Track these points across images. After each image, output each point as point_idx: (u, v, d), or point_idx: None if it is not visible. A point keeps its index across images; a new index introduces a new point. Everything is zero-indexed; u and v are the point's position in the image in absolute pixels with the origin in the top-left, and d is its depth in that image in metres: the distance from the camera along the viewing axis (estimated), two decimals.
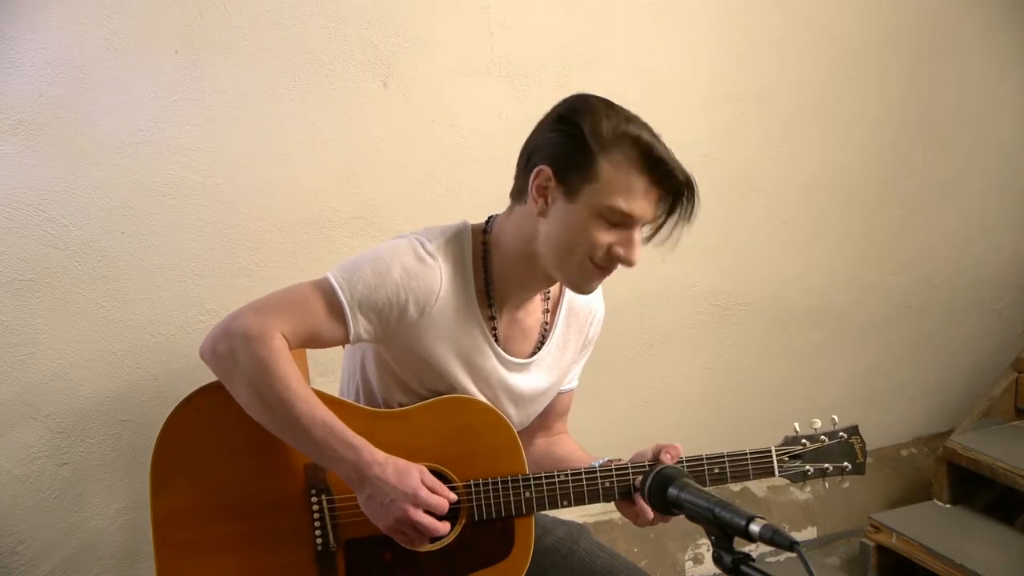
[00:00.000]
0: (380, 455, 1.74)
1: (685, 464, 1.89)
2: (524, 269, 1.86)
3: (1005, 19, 3.66)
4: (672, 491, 1.43)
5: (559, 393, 2.15)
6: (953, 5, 3.56)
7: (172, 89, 2.45)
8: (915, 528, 3.34)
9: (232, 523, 1.81)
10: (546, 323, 2.01)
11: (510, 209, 1.88)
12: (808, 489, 1.99)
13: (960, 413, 3.80)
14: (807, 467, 1.97)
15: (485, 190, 2.81)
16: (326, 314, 1.78)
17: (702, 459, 1.91)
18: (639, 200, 1.73)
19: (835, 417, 2.03)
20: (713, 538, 1.35)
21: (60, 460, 2.49)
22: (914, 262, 3.74)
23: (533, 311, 1.98)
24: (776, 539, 1.24)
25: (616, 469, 1.87)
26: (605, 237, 1.76)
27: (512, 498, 1.86)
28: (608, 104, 1.77)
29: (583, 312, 2.04)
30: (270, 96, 2.56)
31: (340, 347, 1.97)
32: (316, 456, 1.76)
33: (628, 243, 1.77)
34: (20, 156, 2.33)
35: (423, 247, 1.83)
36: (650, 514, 1.83)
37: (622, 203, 1.72)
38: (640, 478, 1.73)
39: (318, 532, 1.82)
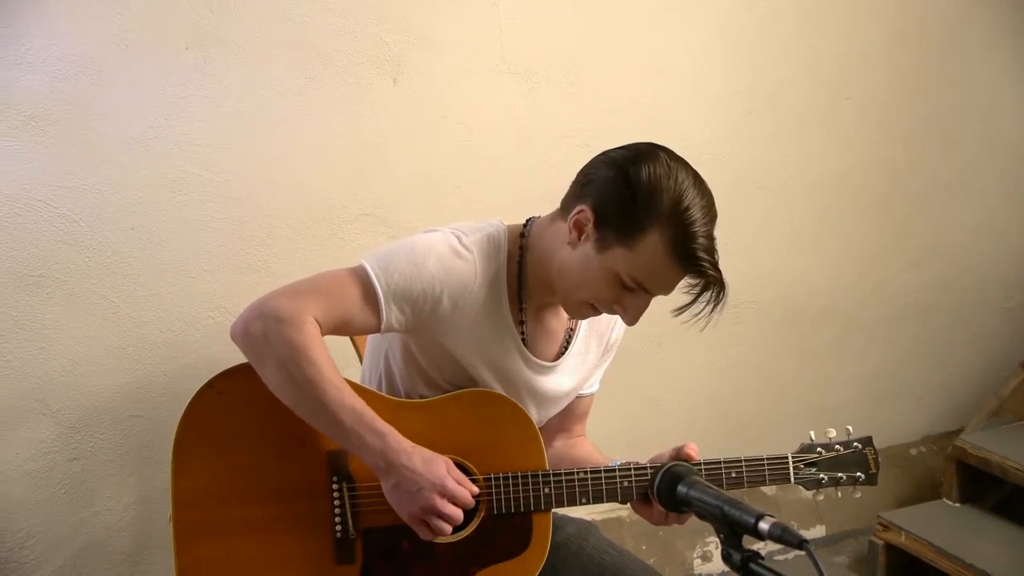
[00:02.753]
0: (408, 444, 1.75)
1: (703, 467, 1.89)
2: (550, 276, 1.86)
3: (1013, 19, 3.65)
4: (681, 489, 1.43)
5: (579, 397, 2.15)
6: (961, 5, 3.54)
7: (182, 85, 2.45)
8: (924, 527, 3.34)
9: (252, 507, 1.82)
10: (571, 328, 2.01)
11: (553, 217, 1.87)
12: (821, 497, 2.00)
13: (969, 412, 3.79)
14: (821, 475, 1.98)
15: (494, 187, 2.82)
16: (360, 301, 1.78)
17: (720, 462, 1.91)
18: (659, 281, 1.75)
19: (849, 428, 2.03)
20: (722, 536, 1.35)
21: (70, 455, 2.50)
22: (922, 261, 3.73)
23: (560, 315, 1.97)
24: (785, 537, 1.24)
25: (635, 469, 1.87)
26: (615, 295, 1.77)
27: (532, 493, 1.86)
28: (679, 170, 1.73)
29: (604, 317, 2.03)
30: (280, 93, 2.56)
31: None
32: (343, 442, 1.76)
33: (635, 308, 1.80)
34: (30, 152, 2.33)
35: (460, 242, 1.83)
36: (668, 514, 1.83)
37: (645, 280, 1.74)
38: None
39: (338, 519, 1.82)
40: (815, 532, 3.67)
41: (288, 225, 2.62)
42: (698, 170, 1.77)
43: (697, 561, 3.44)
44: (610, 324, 2.08)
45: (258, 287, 2.55)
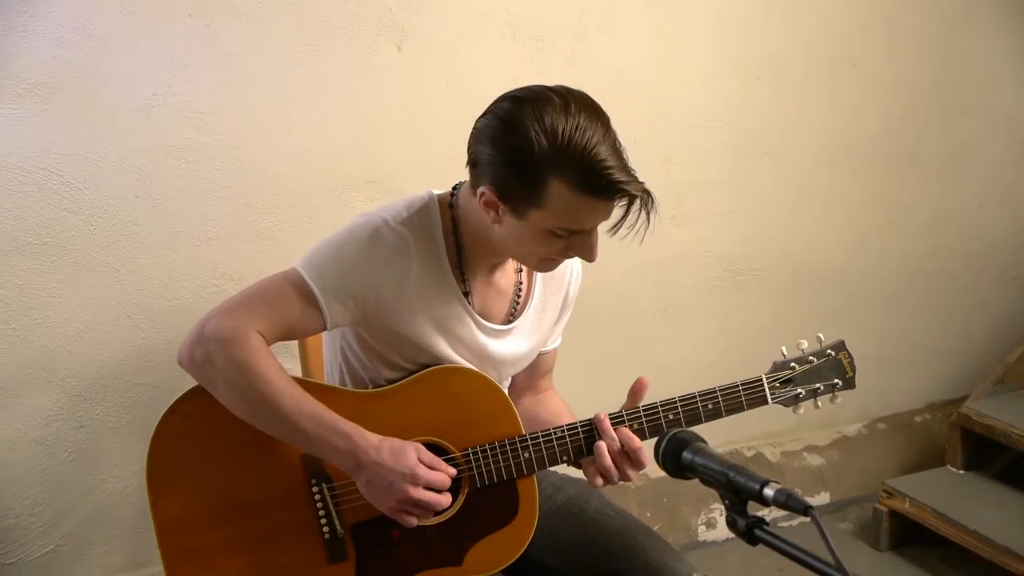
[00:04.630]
0: (374, 439, 1.73)
1: (679, 403, 1.89)
2: (491, 243, 1.83)
3: None
4: (686, 455, 1.42)
5: (543, 353, 2.14)
6: None
7: (186, 53, 2.44)
8: (928, 494, 3.35)
9: (236, 524, 1.81)
10: (520, 283, 1.99)
11: (472, 187, 1.81)
12: (801, 411, 1.98)
13: (974, 379, 3.79)
14: (799, 390, 1.96)
15: None
16: (300, 306, 1.76)
17: (695, 396, 1.90)
18: (588, 218, 1.70)
19: (820, 335, 2.02)
20: (727, 502, 1.35)
21: (76, 423, 2.51)
22: (929, 228, 3.72)
23: (506, 272, 1.96)
24: (790, 503, 1.23)
25: (611, 416, 1.87)
26: (559, 246, 1.74)
27: (512, 460, 1.85)
28: (552, 109, 1.65)
29: (559, 273, 2.01)
30: (284, 60, 2.55)
31: None
32: (310, 449, 1.76)
33: (585, 248, 1.76)
34: (34, 120, 2.33)
35: (388, 224, 1.80)
36: (605, 462, 1.82)
37: (571, 223, 1.69)
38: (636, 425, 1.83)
39: (323, 520, 1.82)
40: (820, 499, 3.68)
41: (293, 193, 2.62)
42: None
43: (702, 528, 3.45)
44: (566, 279, 2.06)
45: (263, 255, 2.57)
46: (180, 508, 1.80)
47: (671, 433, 1.47)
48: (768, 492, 1.26)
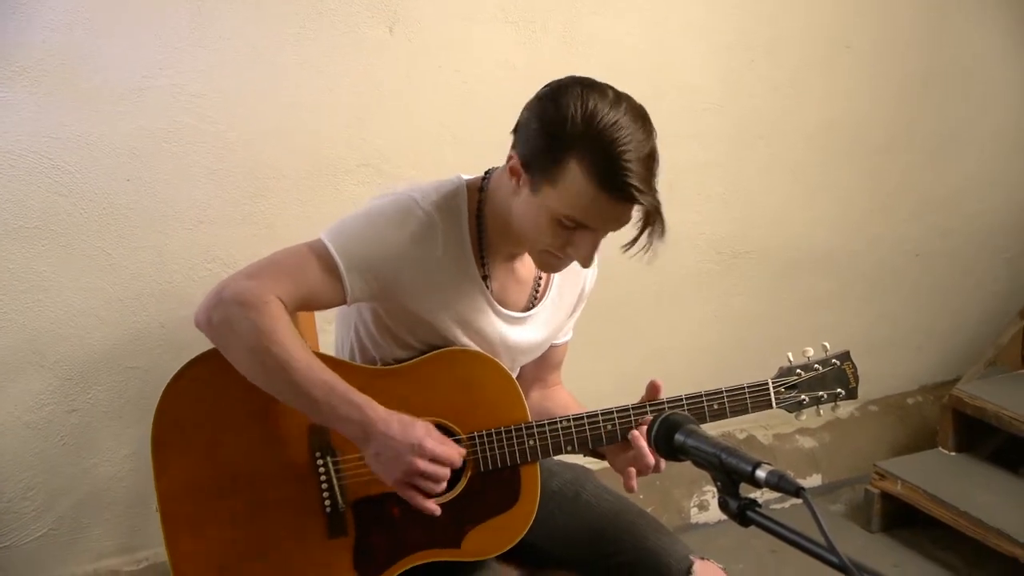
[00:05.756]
0: (383, 411, 1.73)
1: (685, 401, 1.89)
2: (510, 228, 1.82)
3: None
4: (679, 437, 1.43)
5: (554, 346, 2.14)
6: None
7: (177, 35, 2.43)
8: (920, 475, 3.36)
9: (239, 494, 1.81)
10: (539, 276, 1.99)
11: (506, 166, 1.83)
12: (803, 417, 1.99)
13: (967, 361, 3.80)
14: (803, 396, 1.97)
15: (492, 137, 2.79)
16: (322, 276, 1.76)
17: (701, 396, 1.90)
18: (593, 213, 1.68)
19: (826, 344, 2.02)
20: (719, 484, 1.35)
21: (68, 407, 2.50)
22: (923, 210, 3.72)
23: (526, 263, 1.95)
24: (782, 485, 1.24)
25: (617, 411, 1.87)
26: (561, 237, 1.72)
27: (516, 447, 1.86)
28: (600, 98, 1.66)
29: (575, 266, 1.98)
30: (275, 42, 2.53)
31: None
32: (320, 417, 1.76)
33: (583, 248, 1.74)
34: (24, 103, 2.31)
35: (418, 204, 1.80)
36: (650, 457, 1.82)
37: (576, 212, 1.68)
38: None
39: (326, 494, 1.82)
40: (812, 481, 3.69)
41: (285, 176, 2.61)
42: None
43: (694, 510, 3.47)
44: (583, 273, 2.06)
45: (255, 238, 2.56)
46: (183, 475, 1.80)
47: (663, 415, 1.47)
48: (760, 474, 1.27)
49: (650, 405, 1.88)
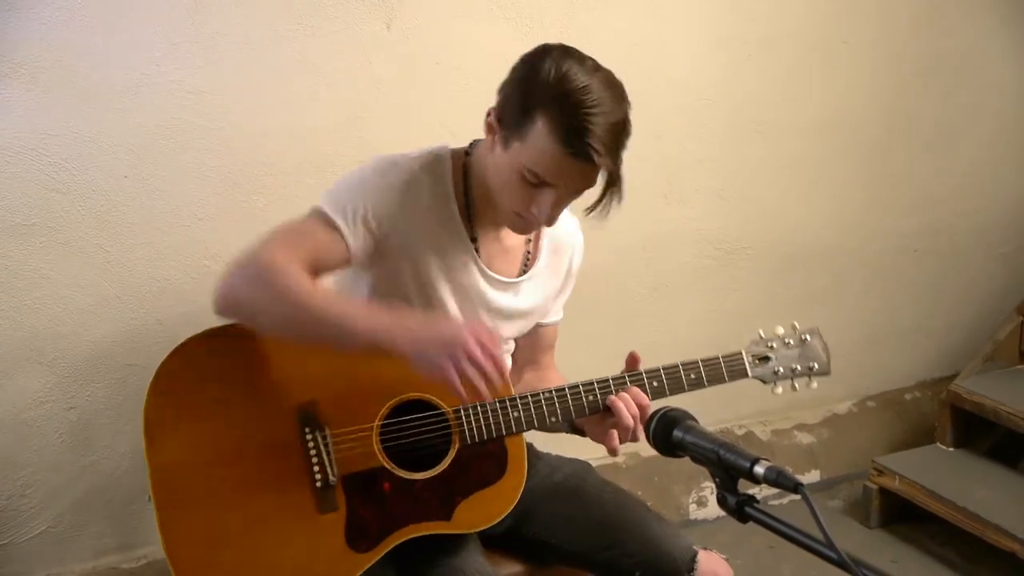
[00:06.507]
0: (419, 314, 1.82)
1: (663, 372, 1.92)
2: (492, 194, 1.87)
3: None
4: (677, 433, 1.43)
5: (544, 326, 2.17)
6: None
7: (174, 32, 2.43)
8: (918, 471, 3.36)
9: (229, 472, 1.81)
10: (528, 251, 2.02)
11: None
12: (779, 391, 1.99)
13: (964, 357, 3.80)
14: (778, 367, 1.99)
15: None
16: (325, 235, 1.81)
17: (678, 366, 1.93)
18: (554, 170, 1.73)
19: (796, 323, 2.04)
20: (718, 480, 1.35)
21: (67, 404, 2.50)
22: (920, 206, 3.73)
23: (513, 233, 1.97)
24: (781, 481, 1.24)
25: (598, 382, 1.89)
26: (526, 194, 1.77)
27: (501, 418, 1.87)
28: (576, 62, 1.73)
29: (565, 241, 2.08)
30: (273, 38, 2.53)
31: None
32: (362, 343, 1.72)
33: (545, 204, 1.78)
34: (21, 100, 2.31)
35: (402, 159, 1.88)
36: (628, 419, 1.84)
37: (539, 167, 1.72)
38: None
39: (316, 468, 1.83)
40: (810, 477, 3.69)
41: (282, 172, 2.61)
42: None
43: (692, 506, 3.47)
44: (569, 252, 2.11)
45: (253, 234, 2.54)
46: (175, 452, 1.80)
47: (662, 411, 1.47)
48: (758, 470, 1.27)
49: (629, 376, 1.91)
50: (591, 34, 2.91)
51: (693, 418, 1.46)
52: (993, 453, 3.48)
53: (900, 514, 3.44)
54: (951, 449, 3.53)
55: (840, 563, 1.13)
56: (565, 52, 1.75)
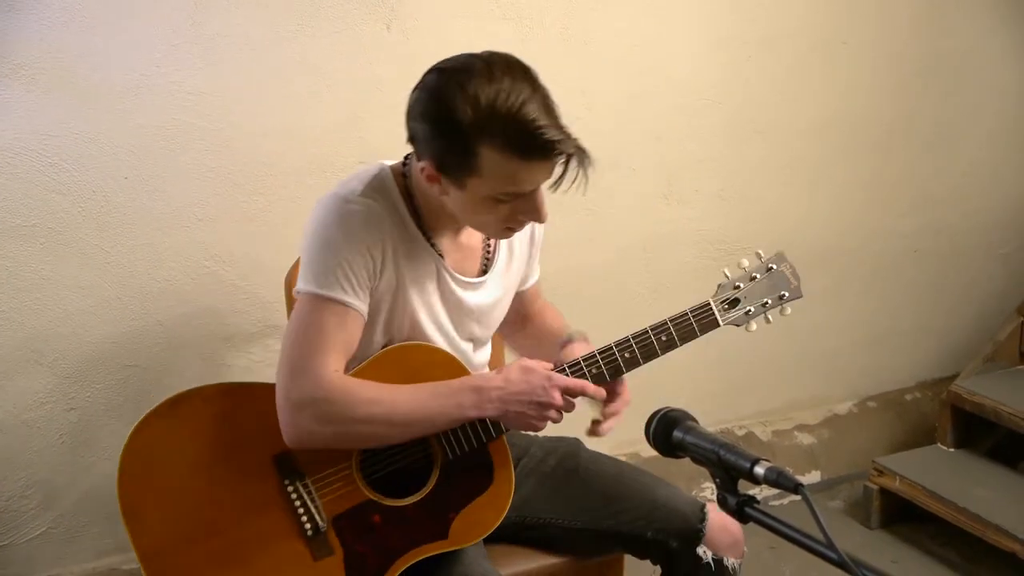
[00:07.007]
0: (494, 376, 1.80)
1: (633, 341, 1.89)
2: (447, 212, 1.84)
3: None
4: (677, 434, 1.42)
5: (521, 292, 2.17)
6: None
7: (174, 33, 2.43)
8: (919, 472, 3.36)
9: (218, 537, 1.81)
10: (488, 245, 2.01)
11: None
12: (754, 327, 1.98)
13: (965, 357, 3.80)
14: (748, 307, 1.98)
15: None
16: (337, 318, 1.77)
17: (647, 331, 1.91)
18: (525, 180, 1.72)
19: (760, 252, 2.03)
20: (717, 480, 1.35)
21: (67, 405, 2.50)
22: (920, 206, 3.72)
23: (473, 232, 1.97)
24: (781, 481, 1.23)
25: (570, 365, 1.87)
26: (506, 211, 1.76)
27: (478, 424, 1.85)
28: (474, 77, 1.67)
29: None
30: (273, 40, 2.53)
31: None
32: (447, 423, 1.81)
33: (531, 209, 1.78)
34: (20, 101, 2.32)
35: (348, 200, 1.81)
36: (594, 389, 1.86)
37: (509, 187, 1.71)
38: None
39: (304, 518, 1.82)
40: (810, 477, 3.69)
41: (283, 173, 2.61)
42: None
43: None
44: (529, 227, 2.06)
45: (253, 236, 2.56)
46: (158, 531, 1.80)
47: (662, 412, 1.47)
48: (759, 470, 1.27)
49: (600, 353, 1.89)
50: (591, 34, 2.91)
51: (693, 419, 1.46)
52: (993, 453, 3.47)
53: (900, 514, 3.43)
54: (951, 449, 3.52)
55: (840, 563, 1.13)
56: (454, 73, 1.70)
